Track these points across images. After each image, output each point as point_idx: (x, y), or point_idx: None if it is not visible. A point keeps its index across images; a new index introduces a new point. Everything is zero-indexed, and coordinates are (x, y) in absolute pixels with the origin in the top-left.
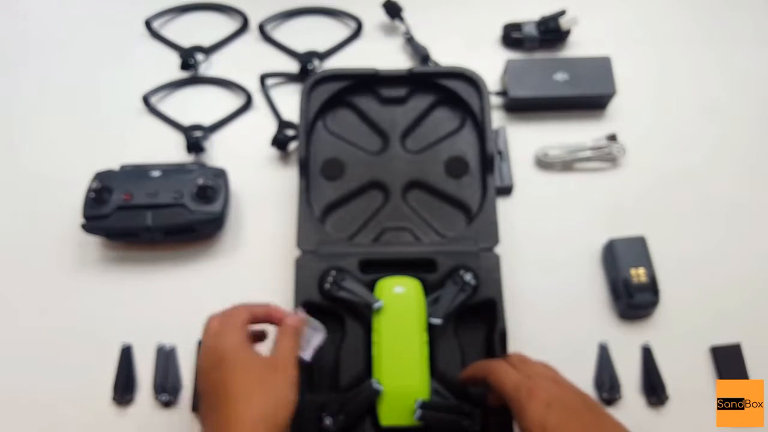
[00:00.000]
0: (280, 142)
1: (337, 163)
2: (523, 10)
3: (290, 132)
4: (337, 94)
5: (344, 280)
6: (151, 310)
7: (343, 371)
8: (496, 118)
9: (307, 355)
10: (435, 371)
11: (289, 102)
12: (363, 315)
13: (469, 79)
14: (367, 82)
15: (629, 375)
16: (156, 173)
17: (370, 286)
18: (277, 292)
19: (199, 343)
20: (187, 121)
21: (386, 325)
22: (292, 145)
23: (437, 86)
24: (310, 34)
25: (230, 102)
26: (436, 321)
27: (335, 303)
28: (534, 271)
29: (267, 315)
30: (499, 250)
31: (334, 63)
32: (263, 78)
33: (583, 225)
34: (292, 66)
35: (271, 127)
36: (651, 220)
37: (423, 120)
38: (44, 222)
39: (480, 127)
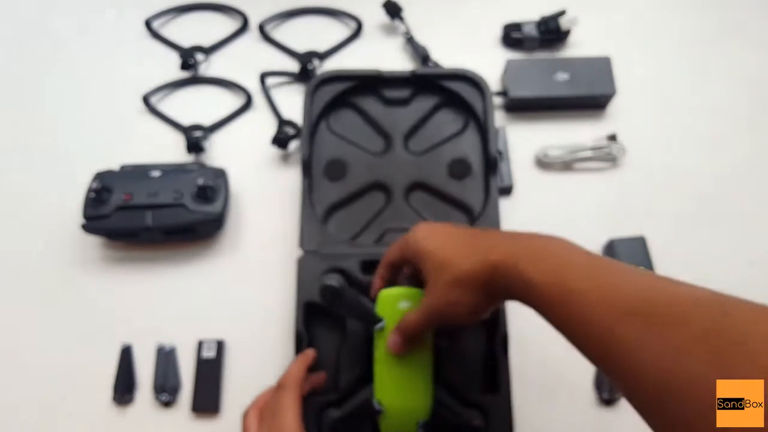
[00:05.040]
0: (280, 140)
1: (340, 163)
2: (523, 10)
3: (291, 130)
4: (340, 95)
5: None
6: (151, 310)
7: (343, 371)
8: (496, 118)
9: None
10: (437, 378)
11: (289, 102)
12: None
13: (472, 81)
14: (371, 83)
15: None
16: (156, 173)
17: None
18: (277, 292)
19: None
20: (187, 121)
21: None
22: (293, 144)
23: (440, 88)
24: (310, 34)
25: (230, 102)
26: (442, 344)
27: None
28: None
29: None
30: None
31: (334, 63)
32: (263, 77)
33: (583, 225)
34: (292, 66)
35: (271, 127)
36: (651, 220)
37: (426, 121)
38: (44, 222)
39: (483, 128)
